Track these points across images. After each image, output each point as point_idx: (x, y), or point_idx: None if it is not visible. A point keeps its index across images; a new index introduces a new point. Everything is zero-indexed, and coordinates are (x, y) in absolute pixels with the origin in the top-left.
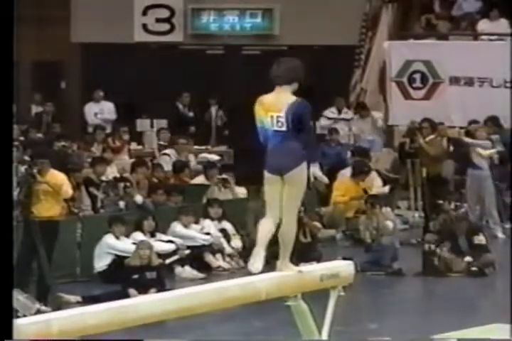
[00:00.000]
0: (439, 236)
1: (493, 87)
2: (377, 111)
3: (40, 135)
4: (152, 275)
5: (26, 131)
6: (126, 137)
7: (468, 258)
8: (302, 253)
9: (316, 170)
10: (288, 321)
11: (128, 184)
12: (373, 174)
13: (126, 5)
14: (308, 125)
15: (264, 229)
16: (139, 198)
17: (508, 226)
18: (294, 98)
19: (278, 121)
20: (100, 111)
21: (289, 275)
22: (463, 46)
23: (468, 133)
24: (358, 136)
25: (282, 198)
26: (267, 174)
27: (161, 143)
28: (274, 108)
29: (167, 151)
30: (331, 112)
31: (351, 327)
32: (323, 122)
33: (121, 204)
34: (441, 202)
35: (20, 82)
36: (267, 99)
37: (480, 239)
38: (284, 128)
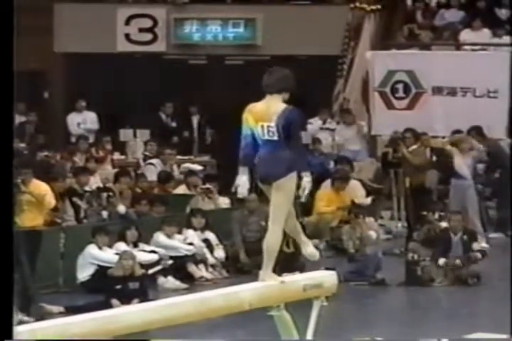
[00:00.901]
0: (423, 246)
1: (476, 97)
2: (361, 120)
3: (23, 145)
4: (135, 286)
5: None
6: (109, 147)
7: (452, 268)
8: (285, 264)
9: (307, 181)
10: (271, 331)
11: (111, 194)
12: (356, 184)
13: (109, 15)
14: (297, 133)
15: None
16: (122, 208)
17: (492, 235)
18: (284, 106)
19: (269, 131)
20: (83, 121)
21: (272, 285)
22: (445, 56)
23: (452, 144)
24: (342, 146)
25: (270, 206)
26: (260, 184)
27: (147, 153)
28: (265, 117)
29: (152, 161)
30: (314, 122)
31: (334, 338)
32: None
33: (105, 214)
34: (425, 212)
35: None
36: (256, 108)
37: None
38: (275, 138)
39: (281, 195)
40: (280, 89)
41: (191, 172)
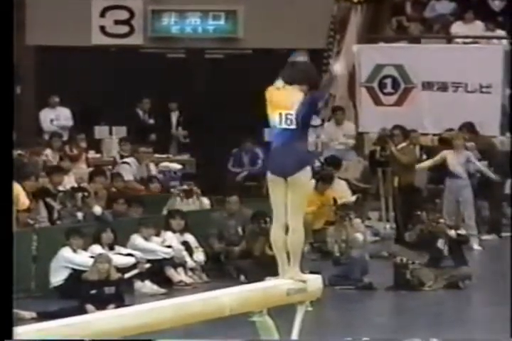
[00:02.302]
0: (414, 248)
1: (468, 92)
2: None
3: None
4: (111, 291)
5: None
6: (83, 145)
7: (443, 271)
8: (268, 266)
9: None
10: (252, 337)
11: (86, 194)
12: (342, 184)
13: (83, 6)
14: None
15: (277, 240)
16: (97, 209)
17: (485, 237)
18: (304, 96)
19: (287, 119)
20: (56, 117)
21: (254, 289)
22: (436, 50)
23: (442, 141)
24: (326, 144)
25: (287, 203)
26: (270, 176)
27: (122, 153)
28: (284, 105)
29: (127, 160)
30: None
31: None
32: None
33: (79, 215)
34: (418, 212)
35: None
36: (276, 96)
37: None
38: (293, 126)
39: (299, 191)
40: (302, 80)
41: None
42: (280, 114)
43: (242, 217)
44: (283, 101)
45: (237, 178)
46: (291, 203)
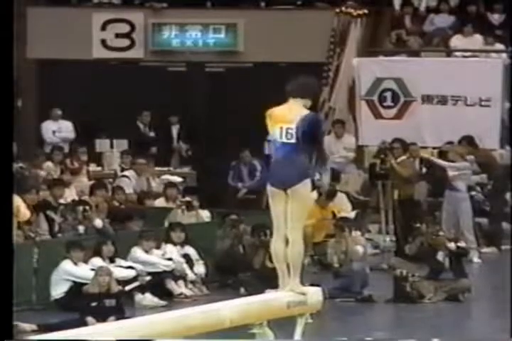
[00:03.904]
0: (414, 261)
1: (468, 106)
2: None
3: None
4: (111, 303)
5: None
6: (84, 158)
7: (443, 284)
8: (268, 279)
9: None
10: None
11: (87, 207)
12: (342, 197)
13: (84, 20)
14: (321, 138)
15: (277, 253)
16: (98, 222)
17: (485, 250)
18: (307, 111)
19: (287, 133)
20: (58, 129)
21: (254, 302)
22: (435, 63)
23: (442, 154)
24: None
25: (287, 215)
26: (269, 187)
27: (123, 166)
28: (285, 119)
29: (126, 173)
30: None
31: None
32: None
33: (81, 228)
34: (417, 225)
35: None
36: (278, 110)
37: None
38: (293, 140)
39: (299, 203)
40: (304, 94)
41: (170, 184)
42: (281, 128)
43: (237, 235)
44: (284, 115)
45: (238, 194)
46: (291, 215)
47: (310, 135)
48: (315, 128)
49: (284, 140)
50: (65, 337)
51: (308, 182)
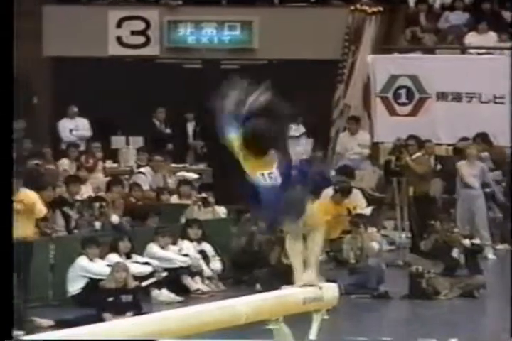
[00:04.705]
0: (429, 257)
1: (482, 103)
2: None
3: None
4: (128, 299)
5: None
6: (99, 154)
7: (458, 280)
8: (284, 275)
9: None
10: None
11: (103, 204)
12: (357, 193)
13: (99, 17)
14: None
15: (292, 248)
16: (115, 218)
17: (499, 247)
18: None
19: (271, 177)
20: (75, 127)
21: (270, 298)
22: (450, 60)
23: (457, 151)
24: (341, 154)
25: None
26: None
27: (139, 162)
28: (263, 167)
29: (142, 170)
30: (292, 129)
31: None
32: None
33: (97, 224)
34: (432, 222)
35: None
36: (253, 158)
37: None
38: (278, 181)
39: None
40: (266, 148)
41: (184, 182)
42: (262, 174)
43: (257, 228)
44: (261, 164)
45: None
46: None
47: (291, 175)
48: (294, 167)
49: (269, 182)
50: (83, 332)
51: (310, 207)
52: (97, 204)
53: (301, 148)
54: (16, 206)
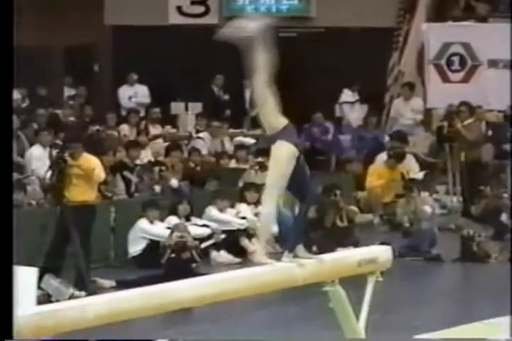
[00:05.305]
0: (479, 222)
1: None
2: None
3: (72, 119)
4: (187, 255)
5: (57, 114)
6: (158, 120)
7: (507, 244)
8: (339, 238)
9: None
10: (325, 307)
11: (163, 168)
12: (410, 158)
13: None
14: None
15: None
16: (174, 182)
17: None
18: None
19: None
20: (134, 94)
21: (326, 260)
22: (502, 29)
23: (507, 117)
24: (395, 120)
25: None
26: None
27: (198, 128)
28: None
29: (201, 135)
30: (348, 96)
31: (389, 314)
32: (345, 109)
33: (157, 188)
34: (482, 187)
35: (52, 65)
36: None
37: None
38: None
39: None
40: None
41: (240, 147)
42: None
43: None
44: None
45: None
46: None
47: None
48: None
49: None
50: (144, 293)
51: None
52: (156, 169)
53: (355, 113)
54: (76, 170)
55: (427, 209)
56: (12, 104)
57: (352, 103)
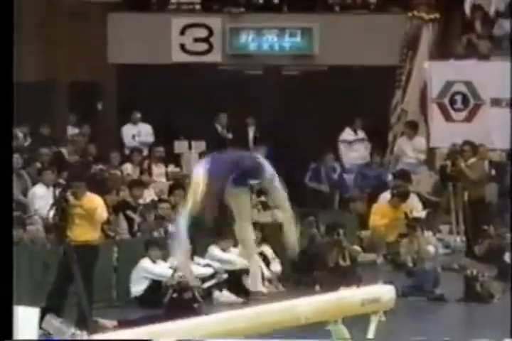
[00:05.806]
0: (483, 261)
1: None
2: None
3: (76, 157)
4: (189, 295)
5: (61, 153)
6: (161, 158)
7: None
8: (342, 277)
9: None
10: None
11: (166, 205)
12: (413, 197)
13: (163, 24)
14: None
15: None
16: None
17: None
18: None
19: None
20: (138, 133)
21: (329, 299)
22: (504, 67)
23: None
24: (399, 158)
25: None
26: None
27: None
28: None
29: None
30: (348, 134)
31: None
32: (342, 147)
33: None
34: (486, 226)
35: (56, 102)
36: None
37: None
38: None
39: None
40: None
41: None
42: None
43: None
44: None
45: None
46: None
47: None
48: None
49: None
50: (146, 332)
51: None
52: (159, 206)
53: (356, 153)
54: (78, 210)
55: (431, 249)
56: (12, 142)
57: (350, 142)
